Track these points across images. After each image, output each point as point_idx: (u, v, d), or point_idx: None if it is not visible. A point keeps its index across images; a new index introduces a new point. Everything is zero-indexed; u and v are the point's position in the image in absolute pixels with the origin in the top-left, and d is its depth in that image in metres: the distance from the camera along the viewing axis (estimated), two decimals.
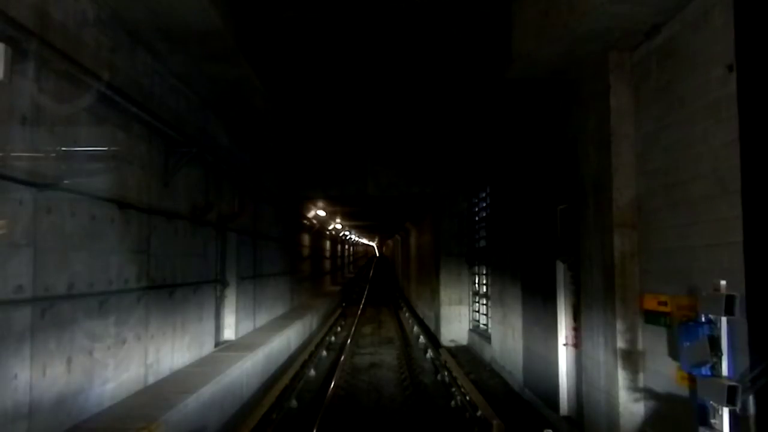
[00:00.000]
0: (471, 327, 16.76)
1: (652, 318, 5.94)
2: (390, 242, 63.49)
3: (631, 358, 6.22)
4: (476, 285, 16.31)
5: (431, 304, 19.92)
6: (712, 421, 4.58)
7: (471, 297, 16.94)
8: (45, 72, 4.87)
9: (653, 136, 6.00)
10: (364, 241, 68.72)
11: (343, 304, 29.83)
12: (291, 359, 13.50)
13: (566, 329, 8.32)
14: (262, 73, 8.64)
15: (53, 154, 5.09)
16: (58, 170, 5.12)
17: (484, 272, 15.20)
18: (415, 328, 20.21)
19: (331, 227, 31.08)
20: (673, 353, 5.42)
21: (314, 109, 11.85)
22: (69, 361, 5.32)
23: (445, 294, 17.26)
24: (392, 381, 12.27)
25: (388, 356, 15.28)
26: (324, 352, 15.39)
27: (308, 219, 22.17)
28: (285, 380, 11.22)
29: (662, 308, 5.70)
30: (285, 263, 17.04)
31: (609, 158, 6.46)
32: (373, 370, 13.40)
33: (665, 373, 5.66)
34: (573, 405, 8.10)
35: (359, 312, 26.50)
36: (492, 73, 8.81)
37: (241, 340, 11.33)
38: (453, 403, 10.17)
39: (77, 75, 5.19)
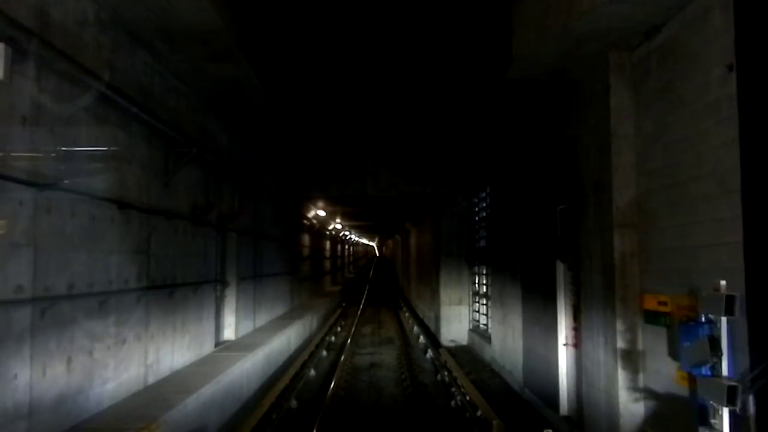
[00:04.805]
0: (471, 327, 16.76)
1: (652, 318, 5.93)
2: (390, 242, 63.50)
3: (631, 358, 6.22)
4: (476, 285, 16.31)
5: (431, 304, 19.92)
6: (712, 421, 4.58)
7: (471, 297, 16.94)
8: (45, 72, 4.87)
9: (653, 136, 6.00)
10: (364, 241, 68.72)
11: (343, 304, 29.82)
12: (291, 359, 13.50)
13: (566, 329, 8.32)
14: (262, 72, 8.64)
15: (53, 154, 5.09)
16: (58, 170, 5.12)
17: (484, 272, 15.20)
18: (415, 328, 20.21)
19: (331, 227, 31.07)
20: (673, 353, 5.42)
21: (314, 109, 11.85)
22: (69, 361, 5.32)
23: (445, 294, 17.26)
24: (392, 381, 12.26)
25: (388, 356, 15.27)
26: (324, 352, 15.39)
27: (308, 219, 22.17)
28: (285, 380, 11.21)
29: (662, 308, 5.70)
30: (285, 263, 17.03)
31: (609, 158, 6.46)
32: (373, 370, 13.40)
33: (665, 373, 5.66)
34: (573, 405, 8.10)
35: (359, 312, 26.48)
36: (492, 72, 8.80)
37: (241, 340, 11.32)
38: (453, 403, 10.17)
39: (77, 75, 5.19)
